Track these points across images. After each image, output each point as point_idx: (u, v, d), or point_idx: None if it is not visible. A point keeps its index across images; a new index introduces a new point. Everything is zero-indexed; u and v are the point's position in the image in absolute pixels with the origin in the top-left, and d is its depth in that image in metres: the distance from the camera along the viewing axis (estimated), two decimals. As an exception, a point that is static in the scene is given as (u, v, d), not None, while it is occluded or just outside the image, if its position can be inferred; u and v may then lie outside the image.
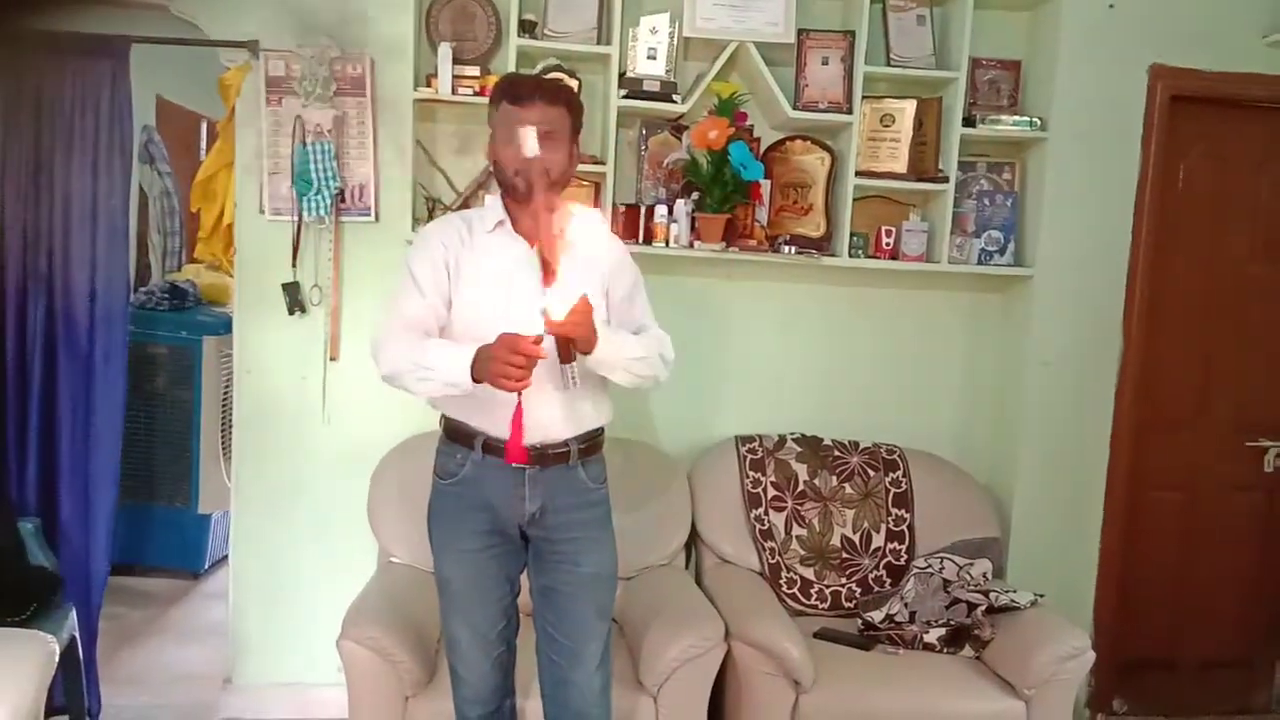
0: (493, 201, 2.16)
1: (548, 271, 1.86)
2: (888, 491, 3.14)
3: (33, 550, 2.81)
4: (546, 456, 2.08)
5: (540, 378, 2.05)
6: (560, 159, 2.04)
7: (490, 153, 2.11)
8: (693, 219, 2.98)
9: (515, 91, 2.05)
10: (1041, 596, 2.84)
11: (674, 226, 2.98)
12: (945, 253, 3.12)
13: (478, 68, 2.93)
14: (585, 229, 2.19)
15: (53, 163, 2.87)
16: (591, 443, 2.15)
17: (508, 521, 2.12)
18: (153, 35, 2.98)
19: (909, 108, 3.08)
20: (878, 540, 3.09)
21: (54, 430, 2.93)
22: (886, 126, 3.10)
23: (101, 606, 3.05)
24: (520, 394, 1.94)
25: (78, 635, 2.77)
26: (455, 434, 2.13)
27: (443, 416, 2.16)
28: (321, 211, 2.93)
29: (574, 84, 2.86)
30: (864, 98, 3.05)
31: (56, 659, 2.42)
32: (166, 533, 4.13)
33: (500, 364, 1.82)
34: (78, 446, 2.94)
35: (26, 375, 2.91)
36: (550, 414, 2.07)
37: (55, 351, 2.91)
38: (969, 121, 3.09)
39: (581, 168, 2.72)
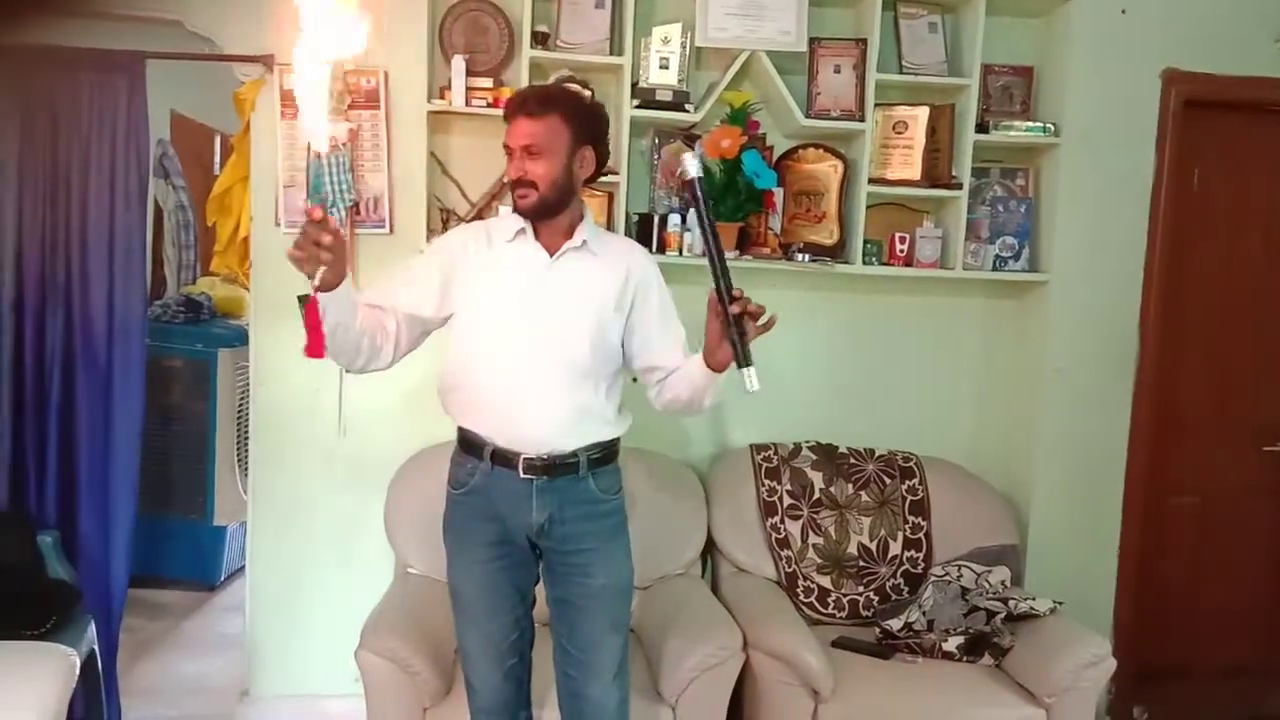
0: (512, 211, 2.16)
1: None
2: (904, 499, 3.13)
3: (52, 563, 2.83)
4: (554, 467, 2.08)
5: (548, 387, 2.06)
6: (547, 172, 2.03)
7: None
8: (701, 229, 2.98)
9: (506, 110, 2.08)
10: (1060, 604, 2.82)
11: (687, 236, 2.98)
12: (959, 259, 3.11)
13: (491, 79, 2.94)
14: (619, 245, 2.22)
15: (69, 177, 2.88)
16: (604, 454, 2.14)
17: (516, 532, 2.12)
18: (168, 50, 3.00)
19: (921, 115, 3.07)
20: (895, 548, 3.08)
21: (73, 443, 2.95)
22: (899, 133, 3.10)
23: (122, 618, 3.05)
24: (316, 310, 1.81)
25: (97, 648, 2.77)
26: (467, 444, 2.14)
27: (458, 427, 2.16)
28: (336, 224, 2.93)
29: (586, 93, 2.86)
30: (876, 105, 3.05)
31: (77, 672, 2.43)
32: (182, 545, 4.14)
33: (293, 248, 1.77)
34: (96, 459, 2.94)
35: (45, 388, 2.92)
36: (556, 425, 2.07)
37: (73, 365, 2.92)
38: (982, 128, 3.08)
39: (594, 178, 2.72)
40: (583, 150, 2.08)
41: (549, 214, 2.08)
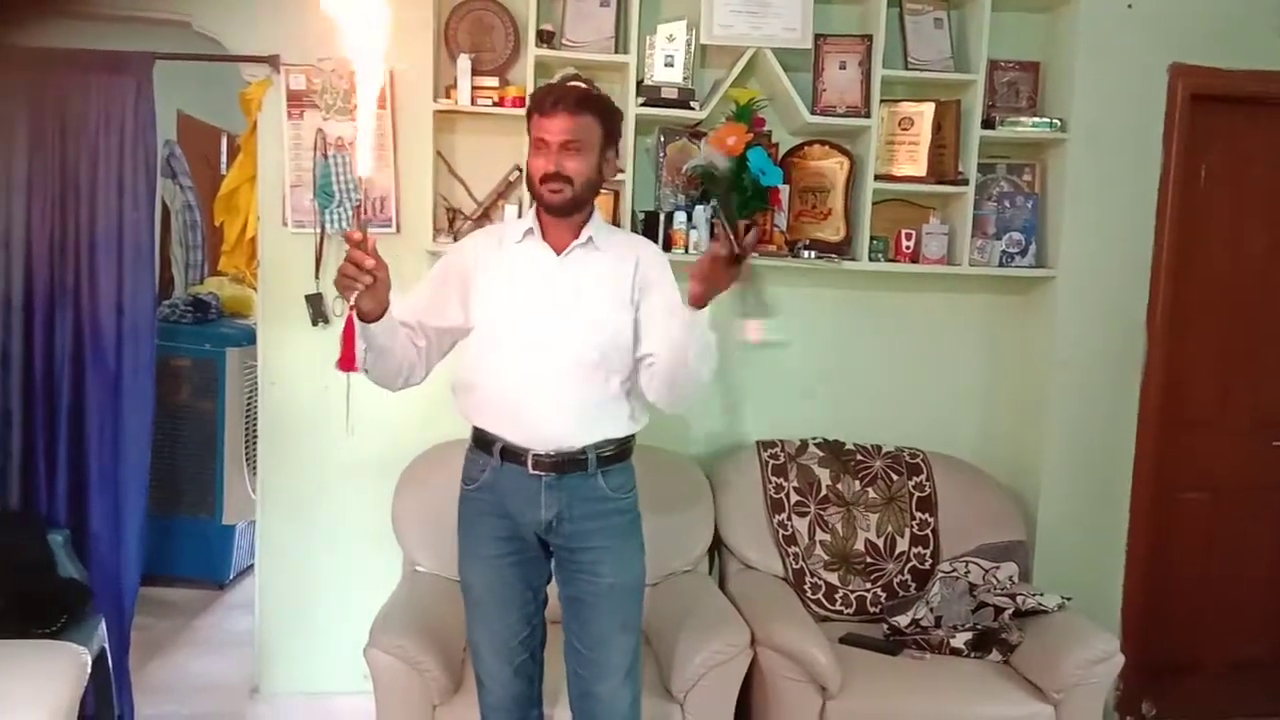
0: (526, 213, 2.18)
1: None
2: (911, 495, 3.13)
3: (62, 562, 2.84)
4: (563, 464, 2.08)
5: (556, 383, 2.06)
6: (584, 169, 2.04)
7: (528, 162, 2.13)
8: (712, 225, 2.98)
9: (540, 103, 2.06)
10: (1069, 599, 2.82)
11: (693, 233, 2.98)
12: (966, 255, 3.11)
13: (496, 78, 2.95)
14: (625, 240, 2.22)
15: (78, 178, 2.90)
16: (616, 452, 2.14)
17: (525, 528, 2.13)
18: (175, 51, 3.02)
19: (927, 111, 3.07)
20: (902, 544, 3.08)
21: (83, 443, 2.96)
22: (905, 130, 3.10)
23: (133, 617, 3.07)
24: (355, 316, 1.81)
25: (108, 646, 2.79)
26: (480, 441, 2.15)
27: (473, 425, 2.17)
28: (343, 223, 2.95)
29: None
30: (882, 101, 3.04)
31: (88, 670, 2.44)
32: (191, 544, 4.16)
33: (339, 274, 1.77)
34: (106, 459, 2.96)
35: (55, 389, 2.94)
36: (564, 422, 2.07)
37: (83, 365, 2.94)
38: (988, 123, 3.08)
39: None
40: (609, 152, 2.12)
41: (573, 211, 2.08)
